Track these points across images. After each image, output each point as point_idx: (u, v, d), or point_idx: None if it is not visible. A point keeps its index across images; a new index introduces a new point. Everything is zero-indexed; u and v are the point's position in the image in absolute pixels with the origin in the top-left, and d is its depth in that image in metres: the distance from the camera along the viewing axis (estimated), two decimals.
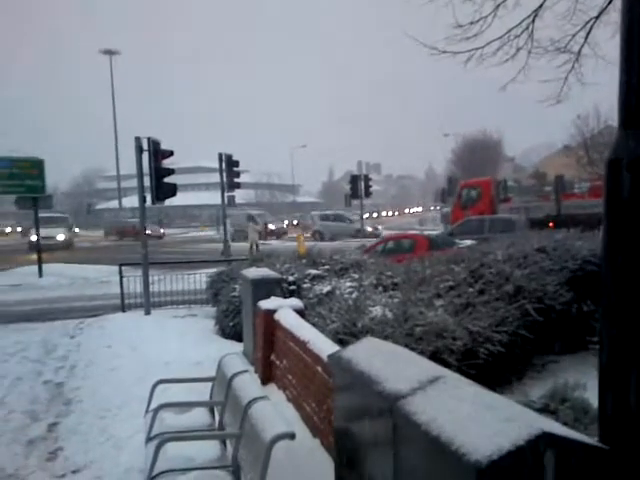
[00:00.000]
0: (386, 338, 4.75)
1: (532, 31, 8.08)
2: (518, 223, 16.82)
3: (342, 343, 4.92)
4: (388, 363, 2.17)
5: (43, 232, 27.32)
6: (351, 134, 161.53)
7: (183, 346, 8.09)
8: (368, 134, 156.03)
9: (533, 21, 8.04)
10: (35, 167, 17.24)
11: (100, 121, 72.85)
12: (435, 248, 11.96)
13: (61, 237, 31.97)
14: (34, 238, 26.87)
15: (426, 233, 19.91)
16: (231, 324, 8.70)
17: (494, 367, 5.01)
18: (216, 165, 20.92)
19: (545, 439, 1.45)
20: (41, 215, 19.35)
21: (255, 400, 3.34)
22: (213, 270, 11.59)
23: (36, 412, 5.78)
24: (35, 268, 17.59)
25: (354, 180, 33.55)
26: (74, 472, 4.32)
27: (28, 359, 7.94)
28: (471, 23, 7.71)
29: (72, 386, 6.62)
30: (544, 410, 3.59)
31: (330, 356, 2.51)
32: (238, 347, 7.88)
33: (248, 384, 3.80)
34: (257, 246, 26.45)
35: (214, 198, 66.07)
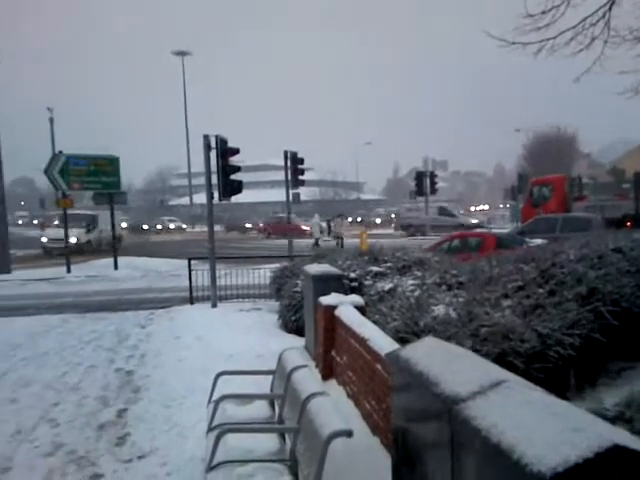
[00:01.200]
0: (449, 338, 4.63)
1: (608, 19, 7.61)
2: (593, 222, 15.96)
3: (403, 342, 4.83)
4: (448, 364, 2.09)
5: (51, 233, 26.81)
6: (418, 131, 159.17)
7: (247, 339, 8.24)
8: (435, 131, 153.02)
9: (610, 9, 7.57)
10: (111, 164, 18.12)
11: (174, 120, 75.74)
12: (503, 247, 11.54)
13: (74, 239, 24.06)
14: (45, 239, 27.14)
15: (494, 231, 19.30)
16: (293, 319, 8.78)
17: (564, 372, 4.77)
18: (282, 163, 21.14)
19: (617, 452, 1.35)
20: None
21: (314, 395, 3.34)
22: (277, 265, 11.75)
23: (107, 398, 6.05)
24: (111, 261, 18.50)
25: (419, 176, 33.03)
26: (140, 458, 4.49)
27: (102, 347, 8.35)
28: (542, 12, 7.36)
29: (141, 374, 6.89)
30: (618, 419, 3.37)
31: (388, 355, 2.46)
32: (299, 342, 7.94)
33: (307, 379, 3.80)
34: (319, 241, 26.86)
35: (279, 195, 67.22)
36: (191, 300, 11.69)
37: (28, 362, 7.57)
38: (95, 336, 9.12)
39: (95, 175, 17.74)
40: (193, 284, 11.68)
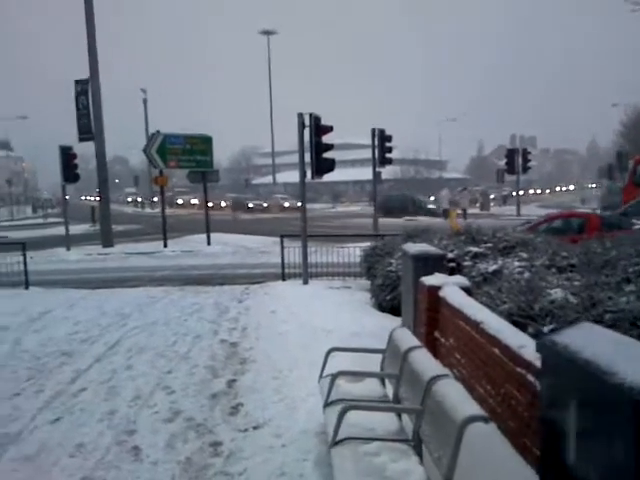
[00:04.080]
0: (570, 324, 4.39)
1: None
2: None
3: (517, 325, 4.64)
4: (618, 352, 1.94)
5: None
6: (504, 106, 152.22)
7: (341, 316, 8.28)
8: (523, 106, 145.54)
9: None
10: (205, 143, 18.70)
11: (259, 99, 76.95)
12: (609, 228, 10.82)
13: None
14: None
15: (597, 212, 18.16)
16: (388, 298, 8.72)
17: None
18: (363, 142, 20.97)
19: None
20: None
21: (439, 377, 3.27)
22: (366, 244, 11.69)
23: (215, 368, 6.30)
24: (204, 236, 19.22)
25: (510, 154, 31.55)
26: (255, 428, 4.63)
27: (205, 319, 8.69)
28: None
29: (245, 346, 7.11)
30: None
31: (540, 342, 2.34)
32: (394, 321, 7.87)
33: (426, 360, 3.74)
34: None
35: (359, 174, 66.81)
36: (283, 276, 11.91)
37: (139, 331, 8.03)
38: (197, 308, 9.51)
39: (190, 154, 18.38)
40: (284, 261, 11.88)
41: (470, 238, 9.25)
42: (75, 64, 21.04)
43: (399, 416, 3.81)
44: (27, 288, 11.55)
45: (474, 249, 8.58)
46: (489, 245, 8.68)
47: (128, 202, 69.41)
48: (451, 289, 5.95)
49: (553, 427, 2.27)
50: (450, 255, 8.43)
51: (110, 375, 6.13)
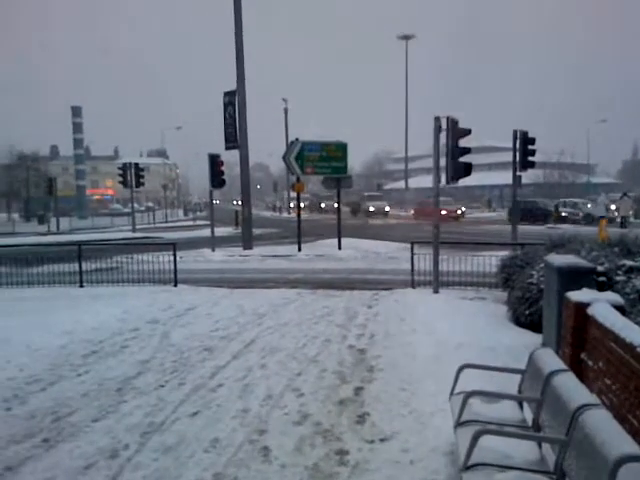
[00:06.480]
0: None
1: None
2: None
3: None
4: None
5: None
6: None
7: (474, 329, 7.90)
8: None
9: None
10: (340, 150, 19.04)
11: (393, 103, 76.94)
12: None
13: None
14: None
15: None
16: (527, 312, 8.14)
17: None
18: (501, 144, 19.98)
19: None
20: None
21: (587, 407, 2.94)
22: (503, 253, 11.05)
23: (344, 374, 6.31)
24: (335, 241, 19.55)
25: None
26: (382, 440, 4.53)
27: (334, 323, 8.79)
28: None
29: (373, 354, 7.05)
30: None
31: None
32: (534, 337, 7.36)
33: (572, 385, 3.39)
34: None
35: (495, 178, 63.69)
36: (413, 284, 11.67)
37: (273, 331, 8.33)
38: (327, 312, 9.65)
39: (326, 160, 18.80)
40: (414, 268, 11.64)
41: (625, 249, 8.35)
42: (224, 76, 22.54)
43: (539, 444, 3.50)
44: (176, 285, 12.55)
45: (629, 262, 7.73)
46: None
47: (267, 207, 72.48)
48: (602, 307, 5.41)
49: None
50: (600, 268, 7.67)
51: (245, 373, 6.40)
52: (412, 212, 44.48)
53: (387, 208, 49.00)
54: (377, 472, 4.01)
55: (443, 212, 37.96)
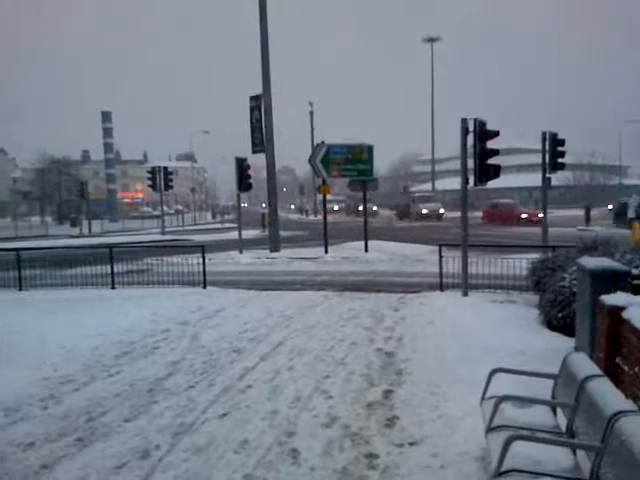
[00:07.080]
0: None
1: None
2: None
3: None
4: None
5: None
6: None
7: (505, 332, 7.79)
8: None
9: None
10: (366, 153, 19.00)
11: (419, 106, 76.44)
12: None
13: None
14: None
15: None
16: (559, 316, 7.99)
17: None
18: (530, 146, 19.69)
19: None
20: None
21: (624, 413, 2.86)
22: (533, 256, 10.87)
23: (371, 377, 6.28)
24: (362, 243, 19.51)
25: None
26: (411, 444, 4.50)
27: (361, 326, 8.76)
28: None
29: (401, 357, 7.01)
30: None
31: None
32: (567, 341, 7.22)
33: (608, 391, 3.31)
34: None
35: (524, 180, 62.61)
36: (441, 286, 11.57)
37: (300, 333, 8.36)
38: (353, 314, 9.63)
39: (352, 163, 18.80)
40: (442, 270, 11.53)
41: None
42: (252, 79, 22.70)
43: (574, 451, 3.43)
44: (205, 287, 12.69)
45: None
46: None
47: (293, 209, 72.40)
48: (638, 310, 5.28)
49: None
50: (635, 271, 7.49)
51: (273, 375, 6.43)
52: (481, 215, 40.46)
53: (442, 210, 44.77)
54: (407, 477, 3.98)
55: (524, 215, 36.59)
